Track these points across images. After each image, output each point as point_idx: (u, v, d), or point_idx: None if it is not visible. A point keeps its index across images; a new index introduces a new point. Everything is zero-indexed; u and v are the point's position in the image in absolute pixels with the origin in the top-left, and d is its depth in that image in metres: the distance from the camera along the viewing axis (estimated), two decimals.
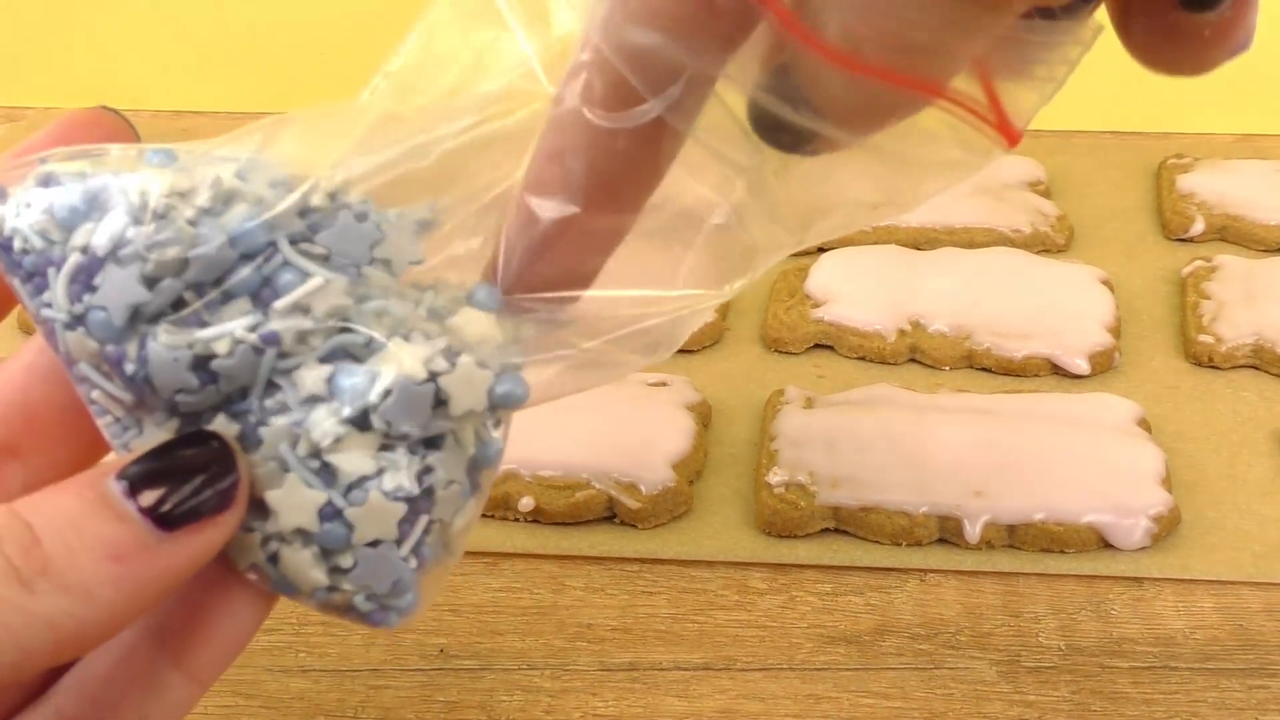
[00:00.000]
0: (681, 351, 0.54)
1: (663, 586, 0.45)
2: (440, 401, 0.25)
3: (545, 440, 0.47)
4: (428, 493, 0.26)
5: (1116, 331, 0.54)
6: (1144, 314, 0.56)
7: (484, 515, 0.46)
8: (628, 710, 0.40)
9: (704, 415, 0.50)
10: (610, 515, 0.46)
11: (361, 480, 0.25)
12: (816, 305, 0.55)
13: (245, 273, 0.25)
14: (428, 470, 0.26)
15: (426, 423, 0.25)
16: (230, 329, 0.25)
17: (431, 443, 0.26)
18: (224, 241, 0.25)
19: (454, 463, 0.26)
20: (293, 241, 0.25)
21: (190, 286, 0.25)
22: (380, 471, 0.25)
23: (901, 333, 0.54)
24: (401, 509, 0.25)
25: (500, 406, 0.26)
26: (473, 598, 0.44)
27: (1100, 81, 0.73)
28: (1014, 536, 0.45)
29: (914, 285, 0.55)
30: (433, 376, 0.25)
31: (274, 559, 0.26)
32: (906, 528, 0.45)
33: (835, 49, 0.23)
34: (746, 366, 0.54)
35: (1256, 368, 0.53)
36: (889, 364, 0.54)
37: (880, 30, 0.23)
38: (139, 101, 0.74)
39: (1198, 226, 0.60)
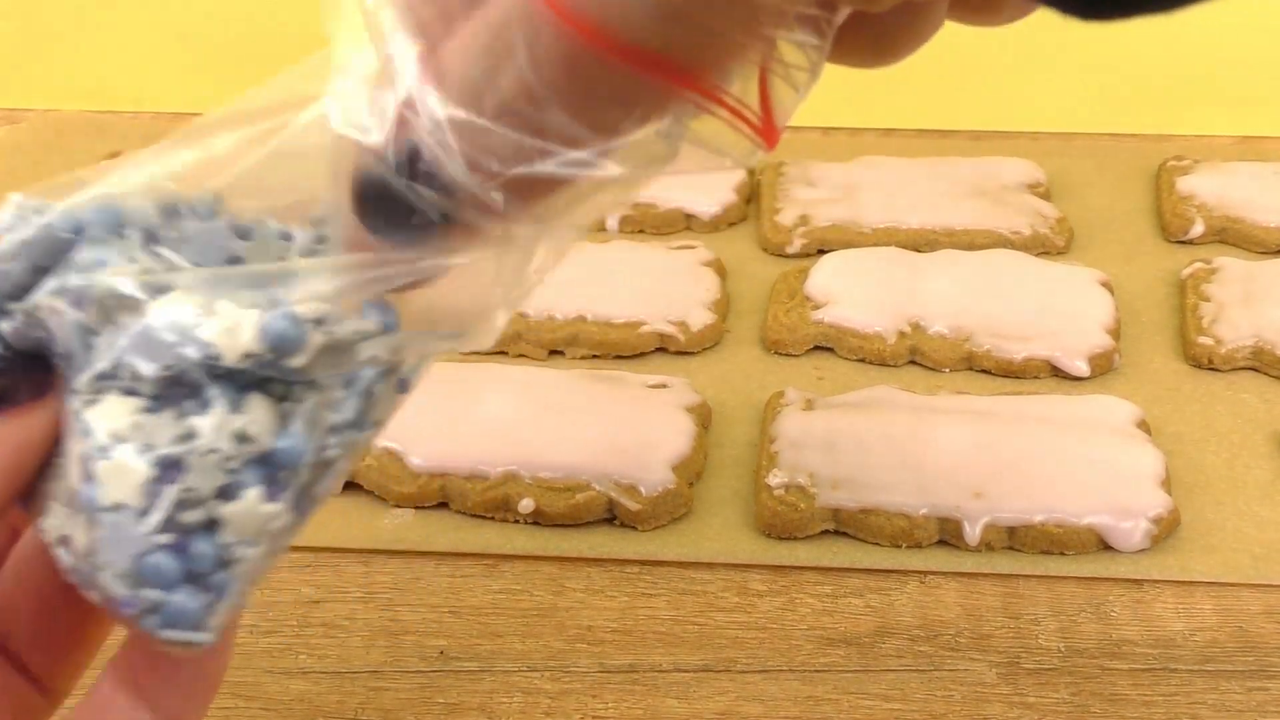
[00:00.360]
0: (681, 353, 0.54)
1: (663, 588, 0.45)
2: (192, 341, 0.24)
3: (545, 442, 0.47)
4: (179, 459, 0.24)
5: (1116, 333, 0.54)
6: (1143, 316, 0.56)
7: (484, 517, 0.47)
8: (628, 712, 0.40)
9: (704, 417, 0.50)
10: (610, 517, 0.46)
11: (115, 436, 0.24)
12: (816, 307, 0.55)
13: (75, 249, 0.25)
14: (188, 435, 0.24)
15: (167, 366, 0.24)
16: (45, 289, 0.25)
17: (201, 409, 0.24)
18: (54, 220, 0.25)
19: (221, 433, 0.24)
20: (148, 239, 0.25)
21: (35, 270, 0.25)
22: (136, 428, 0.24)
23: (901, 334, 0.54)
24: (144, 470, 0.24)
25: (276, 350, 0.24)
26: (473, 599, 0.44)
27: (1100, 83, 0.73)
28: (1014, 538, 0.45)
29: (914, 287, 0.55)
30: (185, 325, 0.24)
31: (65, 535, 0.25)
32: (906, 529, 0.45)
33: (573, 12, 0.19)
34: (746, 368, 0.54)
35: (1256, 369, 0.53)
36: (889, 366, 0.54)
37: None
38: (139, 102, 0.74)
39: (1197, 228, 0.60)
